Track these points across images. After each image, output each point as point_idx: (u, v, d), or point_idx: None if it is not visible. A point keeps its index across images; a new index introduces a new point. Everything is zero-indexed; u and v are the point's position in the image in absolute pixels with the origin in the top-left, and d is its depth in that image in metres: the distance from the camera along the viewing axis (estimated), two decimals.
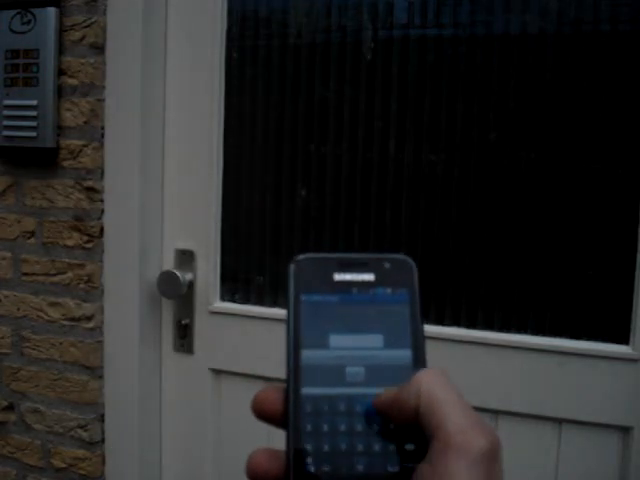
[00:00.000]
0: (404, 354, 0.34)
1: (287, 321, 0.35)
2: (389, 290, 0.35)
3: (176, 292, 1.29)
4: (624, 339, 1.12)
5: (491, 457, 0.30)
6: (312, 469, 0.32)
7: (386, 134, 1.22)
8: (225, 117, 1.31)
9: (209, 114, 1.30)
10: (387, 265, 0.36)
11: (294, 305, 0.35)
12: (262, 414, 0.35)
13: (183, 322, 1.35)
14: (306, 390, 0.34)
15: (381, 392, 0.33)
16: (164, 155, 1.34)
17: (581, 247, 1.14)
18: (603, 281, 1.13)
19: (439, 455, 0.30)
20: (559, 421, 1.15)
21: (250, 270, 1.34)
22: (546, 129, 1.14)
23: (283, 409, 0.34)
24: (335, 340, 0.35)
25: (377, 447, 0.32)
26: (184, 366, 1.37)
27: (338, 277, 0.36)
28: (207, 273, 1.33)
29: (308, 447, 0.32)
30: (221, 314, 1.33)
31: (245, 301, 1.33)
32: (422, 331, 0.35)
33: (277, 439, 1.28)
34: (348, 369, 0.34)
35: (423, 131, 1.20)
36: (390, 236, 1.23)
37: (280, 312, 1.29)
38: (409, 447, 0.32)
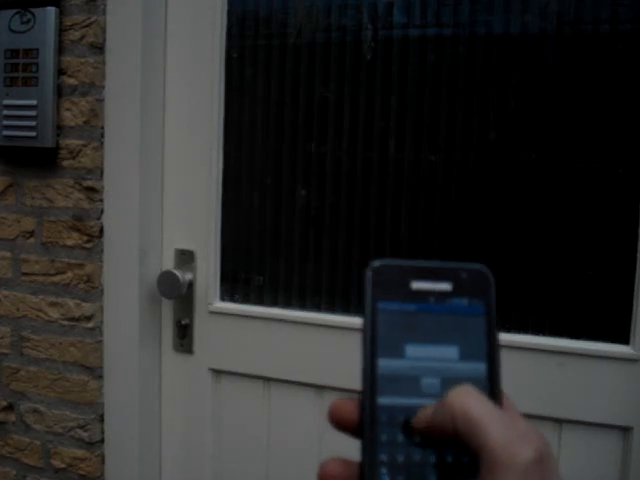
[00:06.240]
0: (479, 367, 0.34)
1: (363, 328, 0.34)
2: (466, 301, 0.35)
3: (176, 292, 1.29)
4: (624, 339, 1.12)
5: (540, 464, 0.30)
6: (386, 479, 0.32)
7: (386, 134, 1.22)
8: (225, 117, 1.31)
9: (209, 114, 1.30)
10: (464, 275, 0.35)
11: (371, 312, 0.34)
12: (338, 423, 0.35)
13: (183, 322, 1.35)
14: (382, 400, 0.33)
15: (420, 411, 0.33)
16: (164, 155, 1.34)
17: (581, 247, 1.14)
18: (603, 281, 1.13)
19: (488, 473, 0.30)
20: (559, 421, 1.15)
21: (250, 270, 1.33)
22: (546, 129, 1.14)
23: (358, 418, 0.34)
24: (411, 350, 0.34)
25: (450, 459, 0.32)
26: (184, 366, 1.37)
27: (415, 285, 0.35)
28: (207, 273, 1.33)
29: (383, 457, 0.32)
30: (221, 314, 1.33)
31: (245, 301, 1.33)
32: (497, 344, 0.35)
33: (277, 440, 1.29)
34: (424, 380, 0.34)
35: (423, 131, 1.20)
36: (390, 236, 1.23)
37: (280, 312, 1.29)
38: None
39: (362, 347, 0.34)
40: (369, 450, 0.33)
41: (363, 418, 0.33)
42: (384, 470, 0.32)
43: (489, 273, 0.36)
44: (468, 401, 0.32)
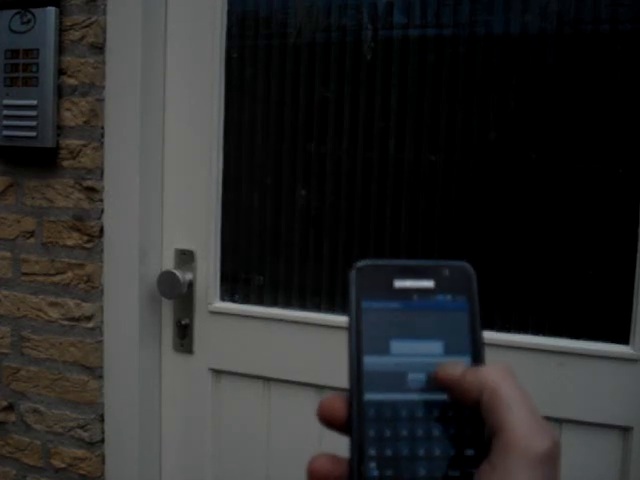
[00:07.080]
0: (464, 361, 0.35)
1: (349, 327, 0.35)
2: (449, 297, 0.36)
3: (176, 292, 1.29)
4: (624, 339, 1.12)
5: (553, 459, 0.30)
6: (375, 474, 0.33)
7: (386, 134, 1.22)
8: (225, 117, 1.31)
9: (209, 114, 1.30)
10: (446, 272, 0.36)
11: (356, 312, 0.35)
12: (328, 421, 0.35)
13: (183, 322, 1.35)
14: (369, 396, 0.34)
15: (445, 363, 0.34)
16: (164, 155, 1.34)
17: (581, 247, 1.14)
18: (603, 281, 1.13)
19: (500, 455, 0.30)
20: (559, 421, 1.15)
21: (250, 270, 1.33)
22: (546, 129, 1.14)
23: (347, 415, 0.34)
24: (396, 346, 0.35)
25: (438, 452, 0.33)
26: (184, 366, 1.37)
27: (398, 284, 0.36)
28: (207, 273, 1.33)
29: (371, 452, 0.33)
30: (221, 314, 1.33)
31: (245, 301, 1.33)
32: (481, 338, 0.35)
33: (276, 440, 1.29)
34: (410, 375, 0.35)
35: (423, 131, 1.20)
36: (390, 236, 1.23)
37: (280, 312, 1.29)
38: (469, 452, 0.33)
39: (348, 345, 0.35)
40: (357, 445, 0.33)
41: (351, 414, 0.34)
42: (373, 465, 0.33)
43: (471, 269, 0.36)
44: (501, 379, 0.32)
